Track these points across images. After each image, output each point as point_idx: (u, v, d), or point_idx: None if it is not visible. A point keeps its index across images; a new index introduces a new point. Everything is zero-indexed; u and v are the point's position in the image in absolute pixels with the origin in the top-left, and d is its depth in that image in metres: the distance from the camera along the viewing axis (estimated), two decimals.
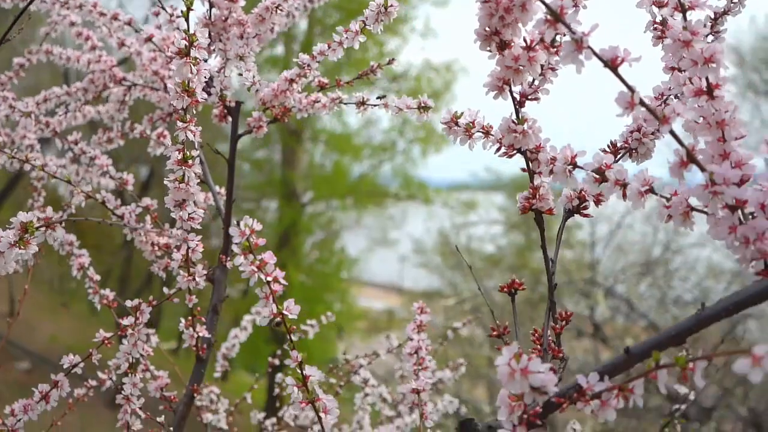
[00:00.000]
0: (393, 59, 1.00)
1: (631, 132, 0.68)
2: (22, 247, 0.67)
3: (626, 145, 0.68)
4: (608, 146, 0.68)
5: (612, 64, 0.50)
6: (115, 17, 1.09)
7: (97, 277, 1.10)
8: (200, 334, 0.96)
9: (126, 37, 1.16)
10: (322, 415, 0.64)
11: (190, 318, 0.95)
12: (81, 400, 1.12)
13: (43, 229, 0.65)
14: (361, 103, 0.95)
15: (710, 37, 0.72)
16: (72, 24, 1.19)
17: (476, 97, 0.70)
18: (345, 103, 0.96)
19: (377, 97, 0.97)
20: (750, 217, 0.52)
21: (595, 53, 0.50)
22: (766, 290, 0.48)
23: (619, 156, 0.68)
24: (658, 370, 0.47)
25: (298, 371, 0.64)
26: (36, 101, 1.18)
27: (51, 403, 0.90)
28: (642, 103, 0.50)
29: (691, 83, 0.55)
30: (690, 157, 0.51)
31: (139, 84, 1.19)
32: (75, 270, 1.10)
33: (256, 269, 0.61)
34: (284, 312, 0.62)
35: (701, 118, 0.53)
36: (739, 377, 6.13)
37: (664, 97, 0.69)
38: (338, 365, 1.34)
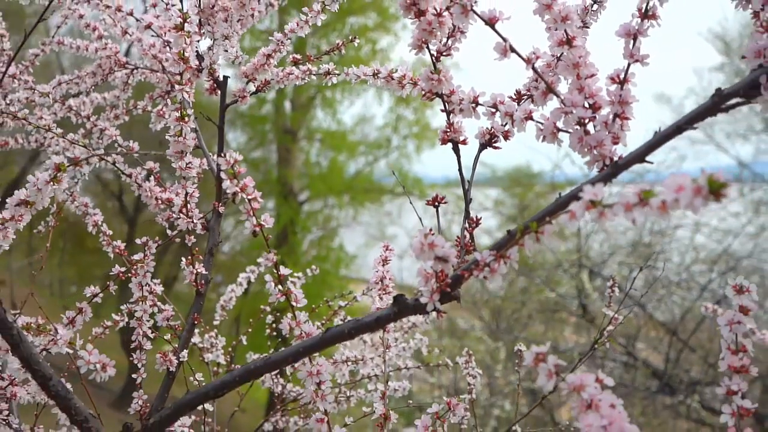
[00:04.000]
0: (355, 37, 1.19)
1: (532, 82, 0.86)
2: (55, 183, 0.85)
3: (528, 93, 0.86)
4: (514, 93, 0.87)
5: (491, 22, 0.69)
6: (118, 9, 1.28)
7: (110, 232, 1.29)
8: (199, 271, 1.15)
9: (128, 26, 1.34)
10: (294, 303, 0.83)
11: (189, 257, 1.14)
12: (99, 337, 1.30)
13: (72, 166, 0.84)
14: (327, 73, 1.13)
15: (595, 6, 0.91)
16: (81, 16, 1.38)
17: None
18: (314, 74, 1.15)
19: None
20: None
21: (477, 14, 0.69)
22: (607, 177, 0.67)
23: (522, 101, 0.87)
24: (524, 237, 0.65)
25: (274, 272, 0.83)
26: (51, 85, 1.37)
27: (77, 326, 1.08)
28: (512, 49, 0.68)
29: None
30: (549, 89, 0.69)
31: (140, 67, 1.38)
32: (90, 227, 1.28)
33: (239, 190, 0.80)
34: (262, 222, 0.81)
35: (563, 62, 0.72)
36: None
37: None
38: (320, 306, 1.53)
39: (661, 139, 0.64)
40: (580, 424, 0.57)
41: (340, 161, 12.21)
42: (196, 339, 1.44)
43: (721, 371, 0.66)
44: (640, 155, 0.65)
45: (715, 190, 0.46)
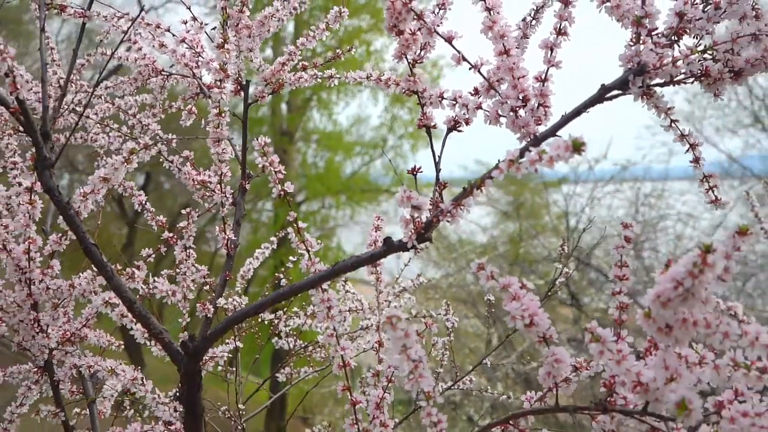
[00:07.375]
0: (352, 47, 1.47)
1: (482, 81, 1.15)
2: (128, 163, 1.13)
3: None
4: (473, 89, 1.15)
5: (449, 39, 0.97)
6: (157, 26, 1.56)
7: (153, 210, 1.57)
8: (230, 237, 1.43)
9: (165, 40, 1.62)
10: (310, 248, 1.11)
11: (222, 225, 1.43)
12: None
13: (144, 150, 1.12)
14: (331, 77, 1.42)
15: (534, 22, 1.19)
16: (124, 32, 1.66)
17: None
18: (320, 78, 1.44)
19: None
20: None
21: (438, 34, 0.97)
22: (527, 147, 0.95)
23: (479, 97, 1.15)
24: (473, 190, 0.93)
25: (295, 225, 1.11)
26: (101, 88, 1.65)
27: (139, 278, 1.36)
28: (463, 58, 0.97)
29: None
30: (490, 86, 0.98)
31: (174, 73, 1.66)
32: (136, 205, 1.57)
33: (268, 164, 1.08)
34: (285, 188, 1.09)
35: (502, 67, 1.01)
36: None
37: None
38: None
39: (564, 121, 0.93)
40: (507, 308, 0.86)
41: (336, 162, 12.49)
42: (222, 301, 1.73)
43: (610, 279, 0.94)
44: (551, 132, 0.94)
45: (577, 147, 0.74)
